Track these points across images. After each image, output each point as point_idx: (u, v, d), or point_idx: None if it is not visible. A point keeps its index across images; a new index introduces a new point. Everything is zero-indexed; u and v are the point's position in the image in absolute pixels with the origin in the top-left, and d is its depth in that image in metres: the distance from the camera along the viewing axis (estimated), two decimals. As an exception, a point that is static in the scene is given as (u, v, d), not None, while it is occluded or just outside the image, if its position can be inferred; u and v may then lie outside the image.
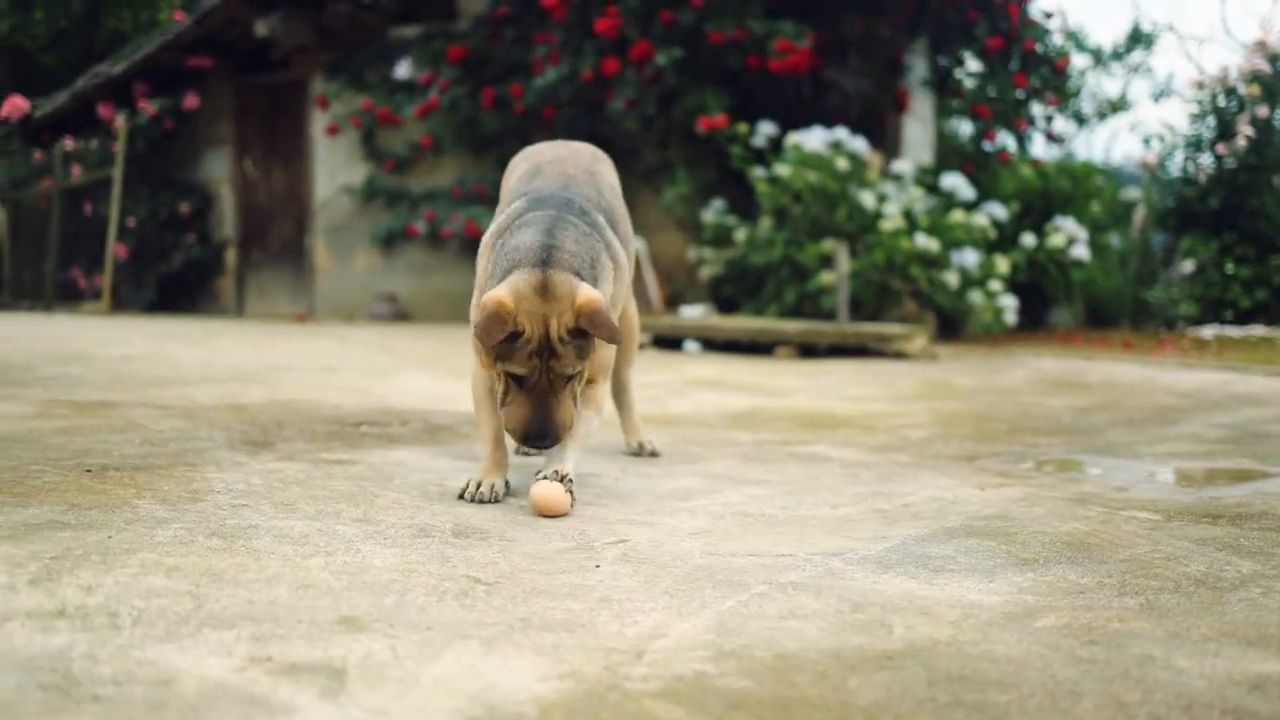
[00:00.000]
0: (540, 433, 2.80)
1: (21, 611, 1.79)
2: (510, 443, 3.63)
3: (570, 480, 2.90)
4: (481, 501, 2.92)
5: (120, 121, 15.78)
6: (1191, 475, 3.80)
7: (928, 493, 3.28)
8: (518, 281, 2.78)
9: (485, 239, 3.18)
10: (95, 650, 1.63)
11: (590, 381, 3.12)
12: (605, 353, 3.16)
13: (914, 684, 1.62)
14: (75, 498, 2.72)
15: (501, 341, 2.75)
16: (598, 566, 2.28)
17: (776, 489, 3.30)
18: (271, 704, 1.46)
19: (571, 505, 2.86)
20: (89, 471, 3.09)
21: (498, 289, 2.78)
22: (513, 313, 2.72)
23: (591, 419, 3.16)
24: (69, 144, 16.69)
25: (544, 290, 2.75)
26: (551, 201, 3.10)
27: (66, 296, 16.76)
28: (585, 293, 2.77)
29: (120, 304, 16.12)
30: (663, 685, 1.59)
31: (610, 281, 3.07)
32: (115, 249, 15.73)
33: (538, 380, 2.79)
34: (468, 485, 2.99)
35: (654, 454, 3.92)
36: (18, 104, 16.94)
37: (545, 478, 2.87)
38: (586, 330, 2.77)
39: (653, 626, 1.87)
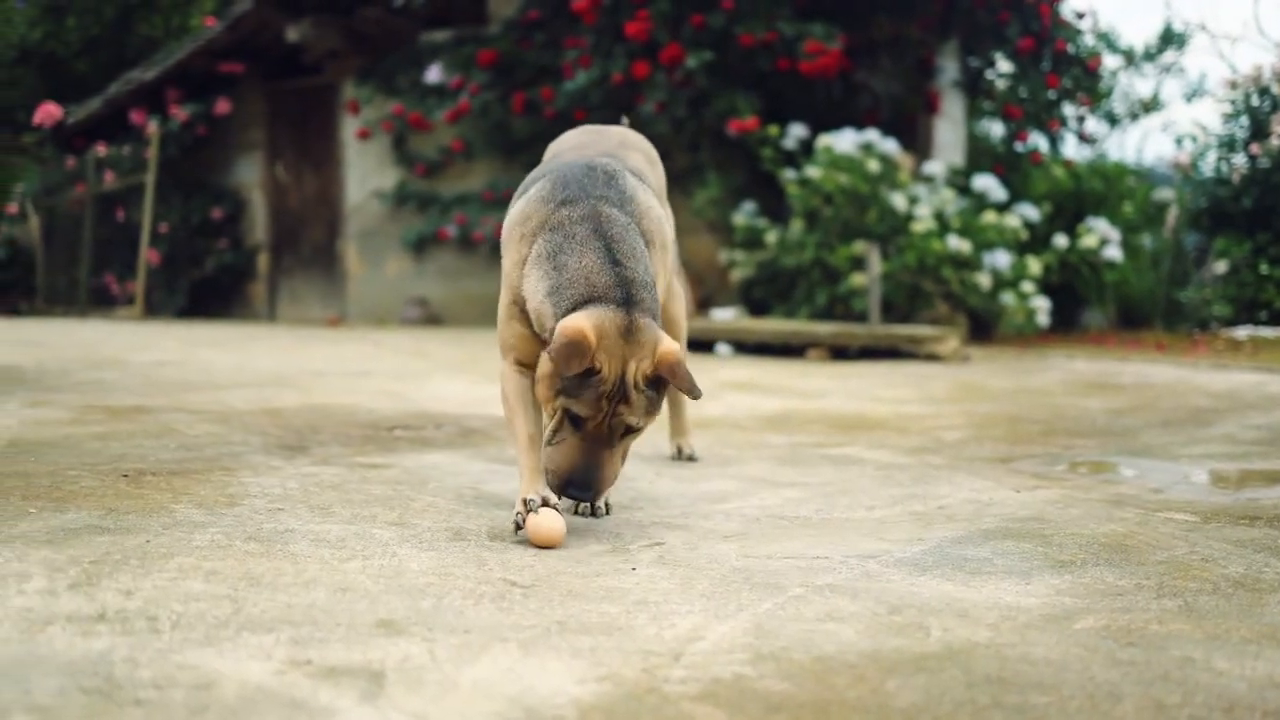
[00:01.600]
0: (584, 483, 2.57)
1: (62, 615, 1.80)
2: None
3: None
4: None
5: (152, 127, 15.87)
6: (1227, 477, 3.77)
7: (963, 495, 3.27)
8: (602, 319, 2.55)
9: (508, 226, 2.96)
10: (136, 654, 1.63)
11: None
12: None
13: (952, 686, 1.62)
14: (113, 502, 2.74)
15: (574, 376, 2.53)
16: (634, 569, 2.28)
17: (811, 491, 3.29)
18: (311, 707, 1.47)
19: (608, 511, 2.89)
20: (126, 476, 3.11)
21: (579, 319, 2.54)
22: (593, 348, 2.51)
23: None
24: (102, 150, 16.80)
25: (629, 334, 2.55)
26: (577, 183, 2.87)
27: (99, 302, 16.87)
28: (668, 344, 2.60)
29: (153, 309, 16.21)
30: (701, 688, 1.59)
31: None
32: (148, 255, 15.82)
33: (598, 425, 2.56)
34: (516, 516, 2.60)
35: (691, 458, 3.91)
36: (51, 111, 17.04)
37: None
38: (663, 380, 2.60)
39: (690, 629, 1.87)
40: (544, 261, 2.73)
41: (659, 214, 3.04)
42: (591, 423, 2.56)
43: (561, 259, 2.70)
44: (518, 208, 2.94)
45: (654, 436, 4.26)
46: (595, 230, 2.73)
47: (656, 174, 3.62)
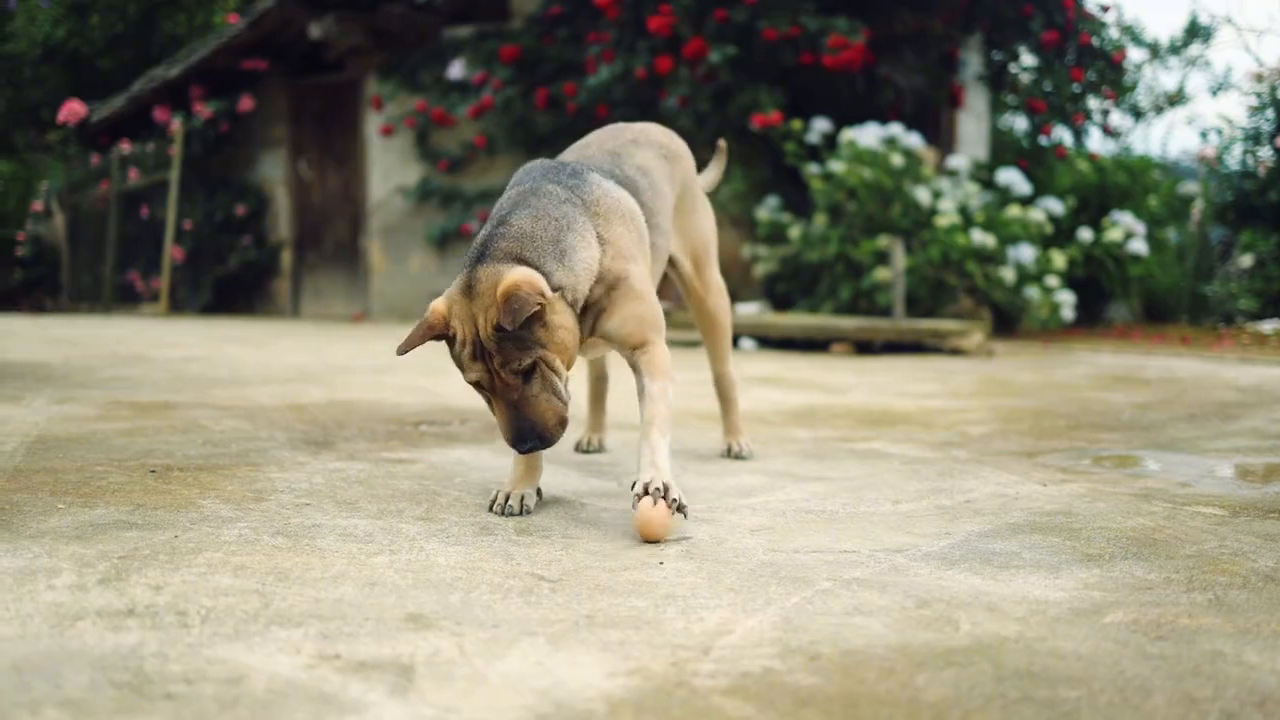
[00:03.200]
0: (521, 436, 2.62)
1: (92, 610, 1.81)
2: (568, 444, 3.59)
3: (668, 490, 2.56)
4: (511, 514, 2.76)
5: (176, 124, 15.94)
6: (1254, 471, 3.75)
7: (989, 489, 3.26)
8: (453, 288, 2.65)
9: None
10: (165, 648, 1.64)
11: (641, 347, 2.92)
12: (648, 308, 2.93)
13: (982, 680, 1.61)
14: (141, 498, 2.75)
15: (451, 351, 2.64)
16: (661, 564, 2.28)
17: (837, 486, 3.28)
18: (341, 701, 1.47)
19: (683, 513, 2.57)
20: (153, 472, 3.12)
21: (436, 301, 2.67)
22: (444, 316, 2.62)
23: (658, 397, 2.87)
24: (126, 147, 16.88)
25: (469, 290, 2.60)
26: (536, 170, 2.97)
27: (124, 299, 16.95)
28: (508, 278, 2.55)
29: (177, 306, 16.28)
30: (730, 682, 1.58)
31: (592, 244, 2.82)
32: (172, 251, 15.88)
33: (493, 383, 2.62)
34: (495, 497, 2.83)
35: (739, 457, 3.78)
36: (75, 108, 17.13)
37: (638, 494, 2.58)
38: (531, 317, 2.55)
39: (719, 623, 1.86)
40: None
41: (629, 208, 3.01)
42: (485, 383, 2.63)
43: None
44: None
45: (668, 432, 4.25)
46: (516, 201, 2.79)
47: (680, 167, 3.58)
